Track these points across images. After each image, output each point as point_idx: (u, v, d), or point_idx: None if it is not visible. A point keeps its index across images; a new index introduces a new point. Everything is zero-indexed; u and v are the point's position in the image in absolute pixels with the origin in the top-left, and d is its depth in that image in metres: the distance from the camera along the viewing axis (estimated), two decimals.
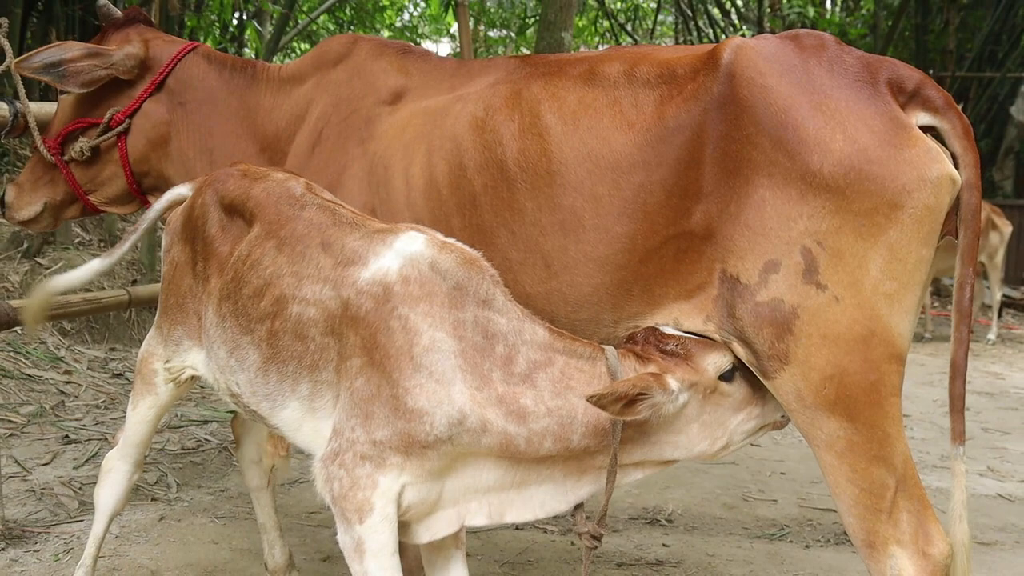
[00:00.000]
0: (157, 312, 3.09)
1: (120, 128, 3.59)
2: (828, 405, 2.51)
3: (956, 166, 2.51)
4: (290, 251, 2.64)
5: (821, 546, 4.59)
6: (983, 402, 8.27)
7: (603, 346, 2.55)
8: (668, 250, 2.67)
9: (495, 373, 2.43)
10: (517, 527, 4.54)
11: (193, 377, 3.02)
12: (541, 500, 2.58)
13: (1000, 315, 12.39)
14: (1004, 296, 12.63)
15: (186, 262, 2.96)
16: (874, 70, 2.55)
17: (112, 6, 3.84)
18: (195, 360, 2.96)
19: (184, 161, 3.59)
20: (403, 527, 2.54)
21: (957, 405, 2.62)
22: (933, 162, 2.44)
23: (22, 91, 3.79)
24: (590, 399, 2.31)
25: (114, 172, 3.67)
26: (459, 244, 2.58)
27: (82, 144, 3.60)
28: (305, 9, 12.93)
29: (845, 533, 4.67)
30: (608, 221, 2.71)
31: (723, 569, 4.24)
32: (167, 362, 3.02)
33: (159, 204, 3.18)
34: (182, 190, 3.16)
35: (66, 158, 3.64)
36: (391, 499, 2.41)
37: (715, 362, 2.53)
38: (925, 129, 2.52)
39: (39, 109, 3.92)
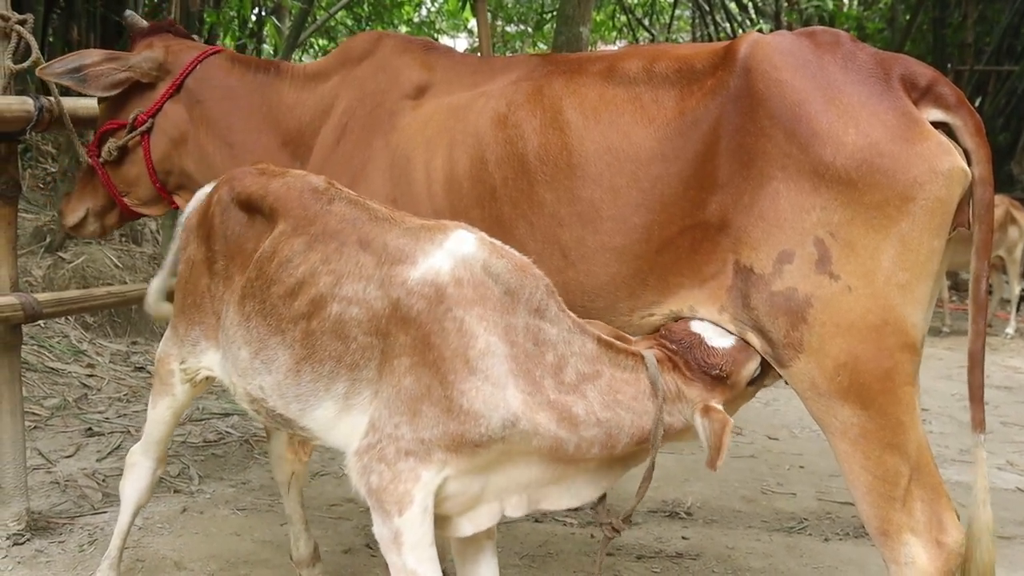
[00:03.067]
0: (173, 313, 3.10)
1: (143, 128, 3.68)
2: (842, 393, 2.55)
3: (968, 162, 2.55)
4: (324, 248, 2.60)
5: (840, 539, 4.61)
6: (1001, 396, 8.25)
7: (643, 353, 2.56)
8: (684, 240, 2.71)
9: (547, 380, 2.44)
10: (536, 520, 4.58)
11: (208, 378, 3.03)
12: (576, 490, 2.63)
13: (1019, 309, 12.32)
14: (1023, 290, 12.56)
15: (203, 261, 2.95)
16: (887, 66, 2.61)
17: (137, 16, 3.97)
18: (211, 361, 2.95)
19: (204, 157, 3.66)
20: (445, 521, 2.56)
21: (976, 394, 2.68)
22: (944, 155, 2.49)
23: (55, 89, 3.86)
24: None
25: (141, 171, 3.77)
26: (509, 248, 2.57)
27: (110, 144, 3.72)
28: (324, 5, 12.98)
29: (863, 527, 4.68)
30: (626, 212, 2.76)
31: (742, 562, 4.26)
32: (183, 363, 3.03)
33: (190, 206, 3.23)
34: (208, 190, 3.18)
35: (100, 160, 3.76)
36: (430, 492, 2.42)
37: (748, 375, 2.59)
38: (937, 125, 2.56)
39: (66, 104, 4.02)
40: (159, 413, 3.16)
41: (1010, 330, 11.71)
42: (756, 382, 2.65)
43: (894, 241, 2.49)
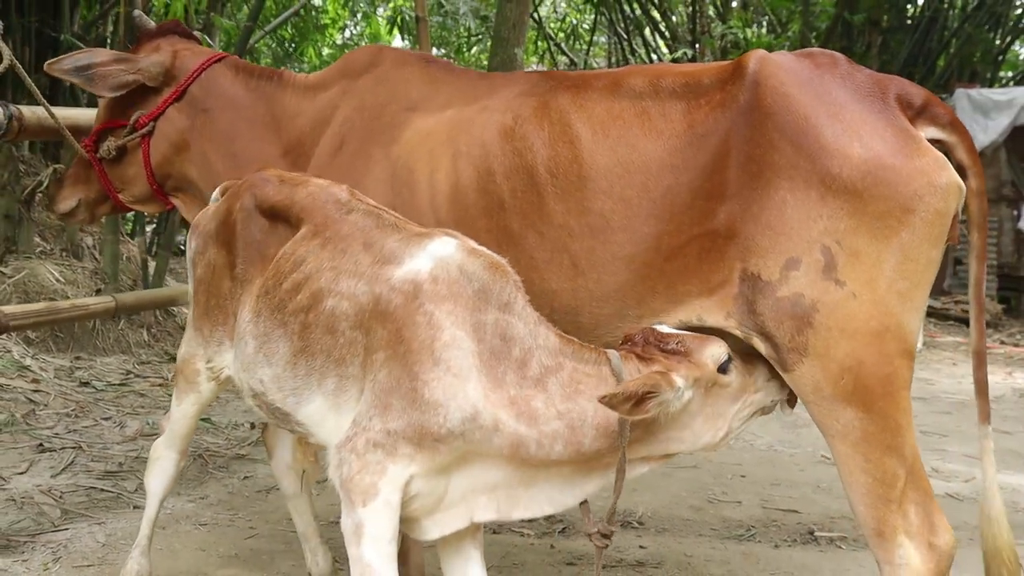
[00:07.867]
0: (193, 314, 3.17)
1: (144, 130, 3.71)
2: (845, 396, 2.66)
3: (964, 176, 2.71)
4: (333, 248, 2.73)
5: (789, 546, 4.73)
6: (917, 407, 8.41)
7: (606, 350, 2.64)
8: (692, 249, 2.81)
9: (509, 376, 2.52)
10: (495, 531, 4.62)
11: (230, 376, 3.10)
12: (549, 496, 2.66)
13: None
14: (929, 305, 12.98)
15: (224, 265, 3.03)
16: (883, 86, 2.76)
17: (145, 16, 4.00)
18: (229, 359, 3.05)
19: (207, 164, 3.68)
20: (412, 523, 2.63)
21: (982, 388, 2.90)
22: (942, 170, 2.64)
23: (37, 94, 3.84)
24: (602, 400, 2.39)
25: (138, 172, 3.79)
26: (486, 250, 2.67)
27: (109, 143, 3.74)
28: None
29: (810, 533, 4.85)
30: (636, 222, 2.84)
31: (703, 569, 4.35)
32: (209, 362, 3.13)
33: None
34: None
35: (98, 156, 3.76)
36: (397, 487, 2.49)
37: (713, 355, 2.61)
38: (932, 142, 2.71)
39: (31, 114, 4.02)
40: (185, 410, 3.28)
41: (919, 344, 12.05)
42: (727, 369, 2.64)
43: (895, 250, 2.63)
